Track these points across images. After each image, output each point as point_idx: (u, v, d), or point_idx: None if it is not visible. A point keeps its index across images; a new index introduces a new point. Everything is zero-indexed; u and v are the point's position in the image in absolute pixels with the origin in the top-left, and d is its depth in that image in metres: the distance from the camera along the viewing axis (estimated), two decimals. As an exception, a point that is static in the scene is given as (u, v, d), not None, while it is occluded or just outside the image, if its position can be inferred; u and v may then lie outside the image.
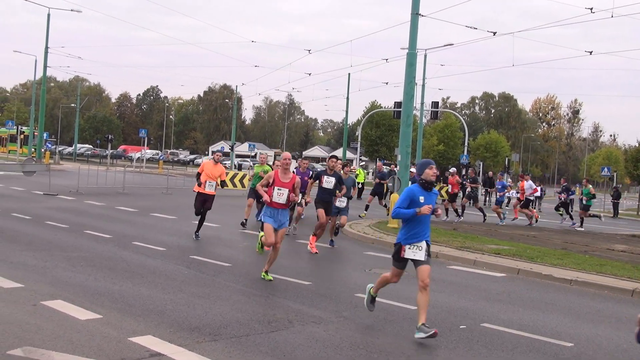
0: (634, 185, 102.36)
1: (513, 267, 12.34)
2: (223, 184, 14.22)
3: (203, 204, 13.73)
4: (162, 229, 15.36)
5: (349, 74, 55.74)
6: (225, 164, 74.00)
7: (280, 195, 9.66)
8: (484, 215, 24.41)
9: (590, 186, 26.92)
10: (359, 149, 61.16)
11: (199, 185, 13.71)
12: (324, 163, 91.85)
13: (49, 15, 43.43)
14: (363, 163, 55.81)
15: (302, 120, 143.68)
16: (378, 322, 7.78)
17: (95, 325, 6.68)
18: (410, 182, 25.80)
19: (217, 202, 15.42)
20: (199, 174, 13.80)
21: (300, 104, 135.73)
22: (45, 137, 55.33)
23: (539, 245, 16.25)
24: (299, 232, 16.15)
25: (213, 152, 14.44)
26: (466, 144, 56.83)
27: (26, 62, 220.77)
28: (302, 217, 16.83)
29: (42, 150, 48.69)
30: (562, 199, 28.44)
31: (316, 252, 13.09)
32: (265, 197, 9.65)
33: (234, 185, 29.82)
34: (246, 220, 17.03)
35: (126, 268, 10.04)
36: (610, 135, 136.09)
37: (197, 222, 14.04)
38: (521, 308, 9.28)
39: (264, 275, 9.88)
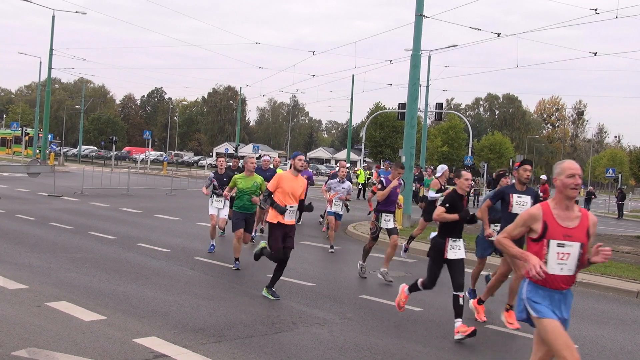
0: (639, 187, 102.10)
1: (517, 269, 12.31)
2: (301, 204, 9.07)
3: (285, 240, 8.79)
4: (167, 230, 15.37)
5: (353, 75, 55.63)
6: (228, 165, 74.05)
7: (563, 258, 4.62)
8: None
9: (433, 177, 27.17)
10: (363, 150, 61.13)
11: (279, 210, 8.60)
12: (329, 165, 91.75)
13: (53, 17, 43.54)
14: (365, 164, 55.87)
15: (306, 121, 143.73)
16: (382, 323, 7.77)
17: (100, 326, 6.69)
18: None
19: None
20: (270, 193, 8.79)
21: (305, 105, 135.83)
22: (49, 139, 55.42)
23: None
24: (306, 233, 16.14)
25: (293, 157, 8.90)
26: (470, 145, 56.74)
27: (31, 63, 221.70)
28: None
29: (47, 151, 48.74)
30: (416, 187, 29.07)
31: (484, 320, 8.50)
32: (533, 263, 4.52)
33: None
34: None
35: (130, 269, 10.05)
36: (615, 137, 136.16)
37: (273, 271, 8.96)
38: (525, 309, 9.25)
39: None
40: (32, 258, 10.40)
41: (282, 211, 8.58)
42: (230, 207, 12.65)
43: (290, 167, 9.01)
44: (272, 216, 8.76)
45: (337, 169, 15.88)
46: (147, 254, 11.63)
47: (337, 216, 14.33)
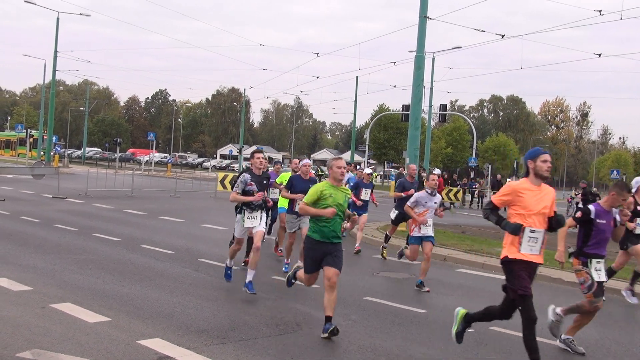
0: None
1: (522, 271, 12.28)
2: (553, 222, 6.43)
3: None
4: (171, 231, 15.38)
5: (357, 77, 55.69)
6: (233, 167, 74.21)
7: None
8: None
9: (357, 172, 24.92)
10: (367, 152, 61.08)
11: (511, 230, 6.18)
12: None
13: (58, 19, 43.63)
14: (372, 166, 56.05)
15: (310, 123, 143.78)
16: (386, 325, 7.76)
17: (104, 328, 6.70)
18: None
19: (222, 205, 15.02)
20: (495, 208, 6.38)
21: (308, 107, 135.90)
22: (54, 141, 55.53)
23: (547, 248, 16.14)
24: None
25: (533, 157, 6.31)
26: (474, 147, 56.68)
27: (35, 66, 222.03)
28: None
29: (51, 153, 48.86)
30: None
31: None
32: None
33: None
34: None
35: (134, 271, 10.06)
36: (620, 138, 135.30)
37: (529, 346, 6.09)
38: (530, 311, 9.23)
39: None
40: (37, 259, 10.42)
41: (516, 230, 6.10)
42: (267, 215, 10.04)
43: (528, 173, 6.33)
44: (513, 249, 6.24)
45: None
46: (151, 256, 11.63)
47: (428, 239, 10.31)
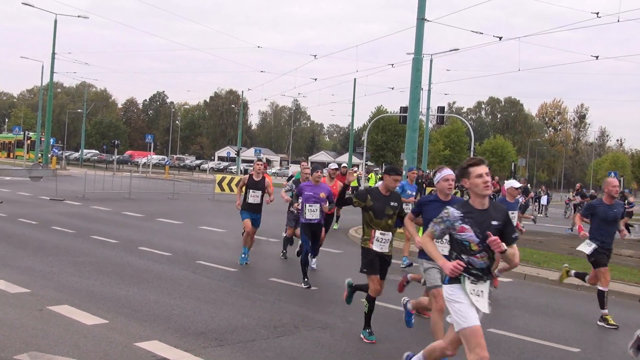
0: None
1: (519, 272, 12.30)
2: None
3: None
4: (169, 234, 15.37)
5: (355, 79, 55.61)
6: (231, 169, 74.20)
7: None
8: None
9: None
10: (364, 154, 61.01)
11: None
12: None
13: (55, 21, 43.63)
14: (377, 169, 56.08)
15: (308, 125, 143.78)
16: (384, 327, 7.76)
17: (102, 330, 6.69)
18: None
19: (219, 207, 15.02)
20: None
21: (306, 109, 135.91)
22: (52, 143, 55.51)
23: (545, 250, 16.20)
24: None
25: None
26: (472, 148, 56.68)
27: (33, 67, 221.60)
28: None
29: (49, 155, 48.82)
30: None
31: None
32: None
33: (231, 189, 29.66)
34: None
35: (132, 273, 10.05)
36: (617, 140, 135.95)
37: None
38: (528, 313, 9.25)
39: None
40: (34, 262, 10.40)
41: None
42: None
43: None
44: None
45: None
46: (149, 258, 11.62)
47: None
